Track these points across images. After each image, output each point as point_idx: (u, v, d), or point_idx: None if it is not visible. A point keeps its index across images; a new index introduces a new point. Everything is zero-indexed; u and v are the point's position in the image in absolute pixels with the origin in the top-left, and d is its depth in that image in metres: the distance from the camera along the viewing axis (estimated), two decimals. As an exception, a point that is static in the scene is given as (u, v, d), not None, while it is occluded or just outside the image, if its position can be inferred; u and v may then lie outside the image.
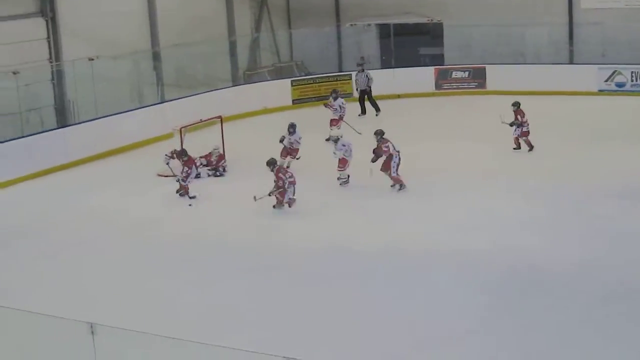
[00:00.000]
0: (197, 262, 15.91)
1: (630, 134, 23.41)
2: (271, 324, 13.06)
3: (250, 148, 23.09)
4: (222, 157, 21.58)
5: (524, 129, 22.17)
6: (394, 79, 30.42)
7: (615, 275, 14.33)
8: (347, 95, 28.78)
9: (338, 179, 19.85)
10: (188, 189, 19.51)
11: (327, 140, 21.84)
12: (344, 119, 24.20)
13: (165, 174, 21.30)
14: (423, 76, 31.02)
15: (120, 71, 26.80)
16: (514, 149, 22.29)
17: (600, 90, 29.44)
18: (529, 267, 14.78)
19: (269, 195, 17.92)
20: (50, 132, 23.44)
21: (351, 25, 33.89)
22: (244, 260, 15.83)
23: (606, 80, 29.46)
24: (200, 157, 21.30)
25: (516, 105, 22.35)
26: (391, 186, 19.43)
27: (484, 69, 30.75)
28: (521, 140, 22.25)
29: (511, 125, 22.20)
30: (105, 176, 21.81)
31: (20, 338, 10.18)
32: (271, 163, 18.08)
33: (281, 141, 21.18)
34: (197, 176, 20.96)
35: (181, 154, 19.72)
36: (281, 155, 20.56)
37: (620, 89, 29.25)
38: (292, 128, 21.31)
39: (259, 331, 12.61)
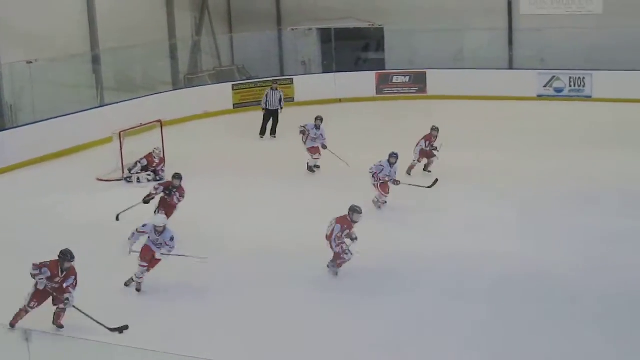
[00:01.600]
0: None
1: (571, 138, 23.86)
2: (249, 330, 12.89)
3: (189, 152, 23.00)
4: (162, 160, 21.43)
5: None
6: (335, 83, 30.58)
7: (609, 277, 14.41)
8: (289, 100, 28.79)
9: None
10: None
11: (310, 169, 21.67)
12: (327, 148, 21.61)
13: (105, 178, 21.20)
14: (364, 81, 31.09)
15: (59, 74, 26.49)
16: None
17: (539, 96, 29.78)
18: (522, 273, 14.72)
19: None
20: (-13, 136, 23.05)
21: (292, 29, 33.93)
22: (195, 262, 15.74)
23: (545, 86, 29.82)
24: (142, 159, 21.17)
25: (437, 130, 20.97)
26: None
27: (425, 73, 30.90)
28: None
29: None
30: (44, 180, 21.53)
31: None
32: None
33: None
34: (138, 181, 20.85)
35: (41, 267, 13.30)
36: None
37: (558, 94, 29.61)
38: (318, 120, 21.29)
39: (226, 340, 12.54)
